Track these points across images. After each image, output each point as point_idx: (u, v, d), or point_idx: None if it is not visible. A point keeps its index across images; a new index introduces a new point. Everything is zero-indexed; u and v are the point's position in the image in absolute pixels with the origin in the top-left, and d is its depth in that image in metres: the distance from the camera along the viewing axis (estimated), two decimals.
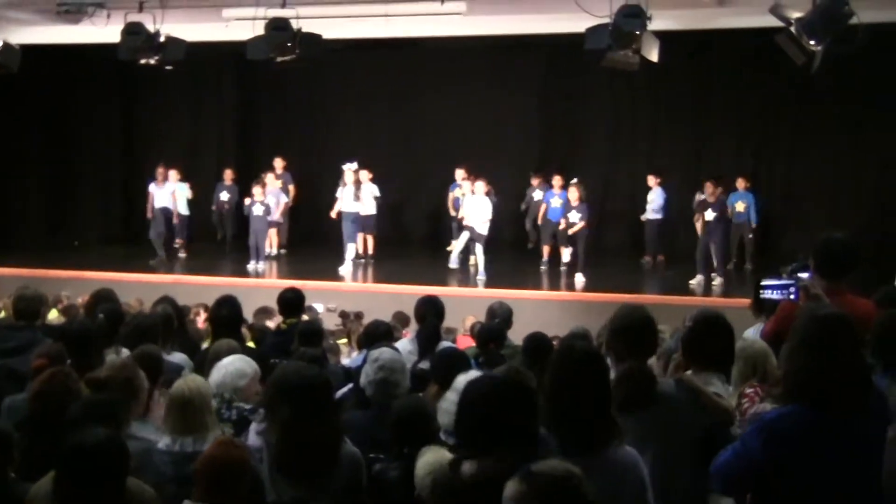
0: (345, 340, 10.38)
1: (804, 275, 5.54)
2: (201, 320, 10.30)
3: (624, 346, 4.57)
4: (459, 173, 17.49)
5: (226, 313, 7.31)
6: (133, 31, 12.18)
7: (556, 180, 17.34)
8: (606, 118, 19.43)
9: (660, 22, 10.64)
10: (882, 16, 12.10)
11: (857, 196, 17.80)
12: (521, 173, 18.61)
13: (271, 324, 9.56)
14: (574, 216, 16.28)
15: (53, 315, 10.40)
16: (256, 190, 17.42)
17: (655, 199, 17.52)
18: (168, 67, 13.01)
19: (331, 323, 11.55)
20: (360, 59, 18.88)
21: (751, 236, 16.98)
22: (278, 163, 18.60)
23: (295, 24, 11.69)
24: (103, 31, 12.91)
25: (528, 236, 18.35)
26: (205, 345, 7.60)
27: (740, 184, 16.88)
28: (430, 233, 19.53)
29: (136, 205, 19.48)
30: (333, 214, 17.31)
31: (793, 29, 10.17)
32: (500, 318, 8.49)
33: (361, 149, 19.30)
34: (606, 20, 10.45)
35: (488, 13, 14.34)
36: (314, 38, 12.07)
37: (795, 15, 10.16)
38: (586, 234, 16.35)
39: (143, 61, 12.64)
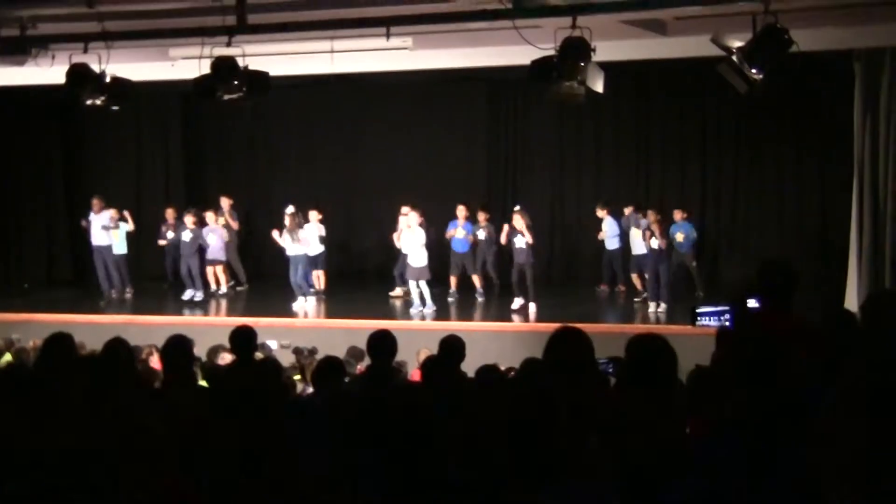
0: (299, 376, 10.36)
1: (751, 301, 5.64)
2: (154, 360, 10.24)
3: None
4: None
5: (176, 353, 7.26)
6: (78, 72, 12.12)
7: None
8: (552, 150, 19.56)
9: (604, 53, 10.74)
10: (820, 44, 12.36)
11: (801, 221, 18.05)
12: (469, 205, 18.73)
13: (223, 362, 9.53)
14: (520, 241, 16.26)
15: (7, 359, 10.31)
16: (188, 219, 17.69)
17: (609, 228, 17.62)
18: (114, 108, 12.94)
19: (285, 360, 11.51)
20: (306, 95, 18.92)
21: (695, 264, 17.09)
22: (224, 202, 18.65)
23: (241, 62, 11.70)
24: (48, 72, 12.82)
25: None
26: (156, 384, 7.56)
27: (677, 215, 16.89)
28: (379, 266, 19.52)
29: (82, 246, 19.34)
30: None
31: (734, 58, 10.31)
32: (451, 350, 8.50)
33: (308, 183, 19.48)
34: (551, 52, 10.53)
35: (434, 47, 14.43)
36: (261, 76, 12.08)
37: (736, 44, 10.31)
38: (532, 264, 16.38)
39: (88, 102, 12.55)
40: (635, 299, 16.95)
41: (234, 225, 18.65)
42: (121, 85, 12.74)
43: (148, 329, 14.08)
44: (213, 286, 18.09)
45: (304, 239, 17.19)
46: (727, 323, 5.60)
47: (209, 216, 17.92)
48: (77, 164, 20.97)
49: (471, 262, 17.33)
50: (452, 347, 7.66)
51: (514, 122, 19.78)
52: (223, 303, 17.74)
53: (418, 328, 14.44)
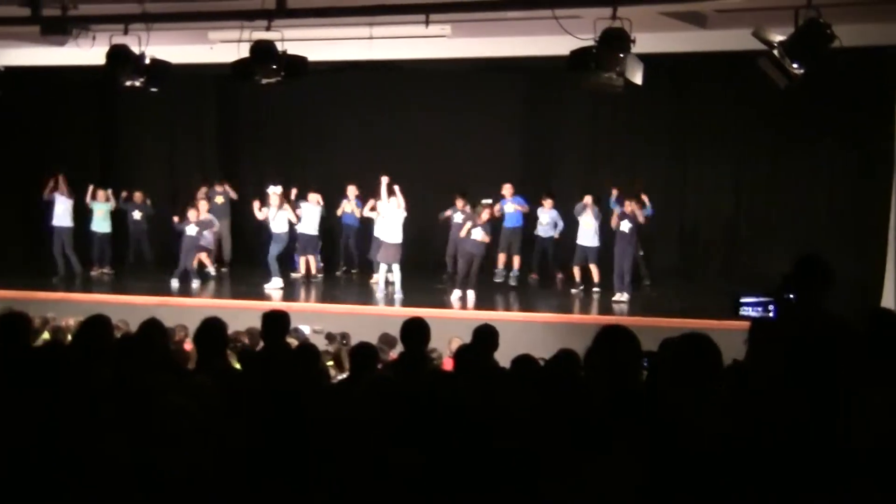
0: (332, 363, 10.36)
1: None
2: (187, 342, 10.28)
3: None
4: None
5: (210, 335, 7.27)
6: (118, 53, 12.19)
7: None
8: (586, 140, 19.50)
9: (643, 44, 10.69)
10: (862, 39, 12.23)
11: (838, 217, 17.88)
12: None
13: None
14: (477, 234, 16.48)
15: (44, 337, 10.38)
16: (191, 213, 17.93)
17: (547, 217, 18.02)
18: (153, 89, 13.02)
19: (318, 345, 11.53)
20: (342, 81, 18.92)
21: (641, 253, 17.46)
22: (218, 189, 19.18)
23: (280, 47, 11.73)
24: (88, 53, 12.90)
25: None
26: (190, 366, 7.58)
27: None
28: (412, 254, 19.51)
29: (117, 226, 19.42)
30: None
31: (775, 52, 10.24)
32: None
33: (342, 168, 19.44)
34: (590, 43, 10.50)
35: (472, 35, 14.40)
36: (299, 61, 12.11)
37: (778, 38, 10.23)
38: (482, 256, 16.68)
39: (127, 83, 12.63)
40: (572, 290, 17.19)
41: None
42: (159, 67, 12.83)
43: (181, 310, 14.15)
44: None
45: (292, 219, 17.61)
46: (771, 314, 5.50)
47: (202, 204, 18.31)
48: (112, 146, 21.06)
49: (517, 240, 17.46)
50: (486, 336, 7.64)
51: (549, 112, 19.69)
52: (252, 287, 17.82)
53: (450, 316, 14.43)
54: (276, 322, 7.84)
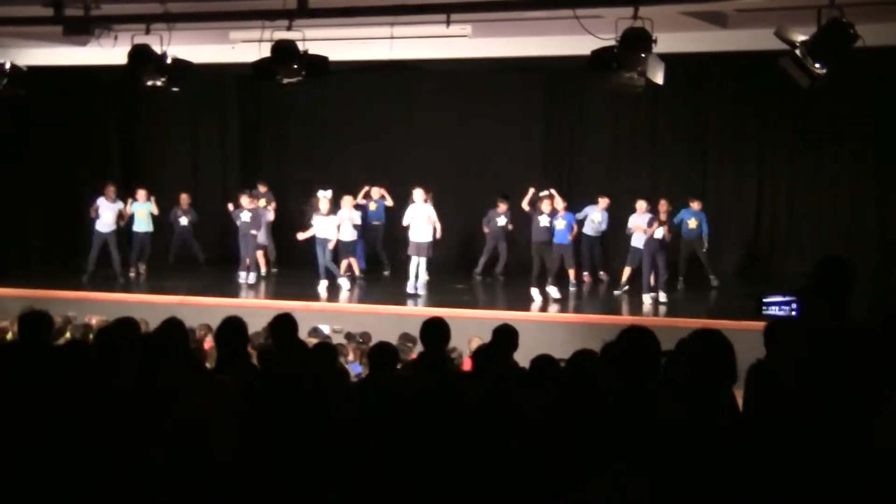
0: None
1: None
2: (208, 342, 10.30)
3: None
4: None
5: (231, 334, 7.28)
6: (140, 52, 12.24)
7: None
8: (607, 141, 19.46)
9: (664, 44, 10.66)
10: (885, 39, 12.16)
11: (858, 219, 17.80)
12: (524, 195, 18.67)
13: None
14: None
15: (68, 336, 10.43)
16: (244, 200, 17.80)
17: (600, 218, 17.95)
18: (174, 89, 13.06)
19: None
20: (363, 81, 18.93)
21: (704, 250, 17.33)
22: (261, 188, 18.97)
23: (301, 47, 11.75)
24: (110, 52, 12.95)
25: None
26: (209, 365, 7.60)
27: (695, 205, 17.26)
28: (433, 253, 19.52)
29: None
30: (301, 238, 17.79)
31: (797, 52, 10.19)
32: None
33: (362, 168, 19.44)
34: (612, 42, 10.48)
35: (493, 35, 14.39)
36: (320, 60, 12.13)
37: (800, 38, 10.18)
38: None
39: (149, 83, 12.68)
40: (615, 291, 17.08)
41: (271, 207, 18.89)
42: (181, 67, 12.88)
43: (200, 309, 14.18)
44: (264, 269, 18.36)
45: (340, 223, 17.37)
46: (794, 313, 5.47)
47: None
48: (134, 146, 21.12)
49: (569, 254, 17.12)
50: (505, 336, 7.63)
51: (570, 112, 19.67)
52: (269, 286, 17.86)
53: (470, 316, 14.40)
54: (286, 324, 7.83)
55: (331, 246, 17.22)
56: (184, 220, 18.90)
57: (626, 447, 3.84)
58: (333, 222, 17.28)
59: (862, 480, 3.66)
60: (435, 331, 7.36)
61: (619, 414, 4.08)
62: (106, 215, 18.02)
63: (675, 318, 14.69)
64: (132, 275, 18.41)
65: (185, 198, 19.08)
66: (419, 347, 8.43)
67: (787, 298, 5.61)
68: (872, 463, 3.68)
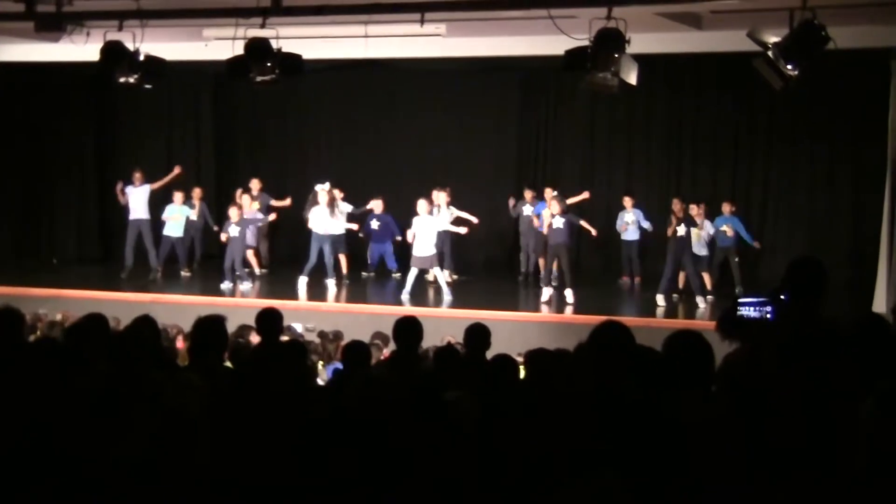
0: (322, 363, 10.33)
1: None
2: (180, 341, 10.26)
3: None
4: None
5: (207, 333, 7.23)
6: (112, 49, 12.17)
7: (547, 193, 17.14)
8: (583, 140, 19.46)
9: (638, 45, 10.70)
10: (857, 41, 12.26)
11: (832, 221, 17.88)
12: (498, 194, 18.70)
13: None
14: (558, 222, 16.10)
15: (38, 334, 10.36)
16: (232, 212, 17.36)
17: (633, 219, 17.57)
18: (147, 86, 12.99)
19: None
20: (338, 79, 18.90)
21: (737, 259, 16.95)
22: (255, 184, 18.58)
23: (275, 45, 11.72)
24: (82, 49, 12.89)
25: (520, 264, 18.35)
26: (180, 363, 7.57)
27: (725, 208, 16.94)
28: (406, 252, 19.51)
29: (112, 224, 19.42)
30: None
31: (770, 53, 10.24)
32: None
33: (338, 168, 19.36)
34: (585, 43, 10.50)
35: (467, 35, 14.40)
36: (294, 59, 12.11)
37: (773, 39, 10.23)
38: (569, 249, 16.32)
39: (122, 80, 12.61)
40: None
41: (272, 203, 18.65)
42: (154, 63, 12.82)
43: (174, 308, 14.13)
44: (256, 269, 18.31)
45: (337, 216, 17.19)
46: (769, 316, 5.47)
47: (245, 199, 17.70)
48: (108, 143, 21.00)
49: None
50: (477, 335, 7.64)
51: (545, 112, 19.69)
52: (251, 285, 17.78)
53: (446, 315, 14.40)
54: (270, 319, 7.83)
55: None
56: (193, 215, 18.34)
57: (607, 447, 3.86)
58: (334, 216, 17.17)
59: (827, 479, 3.68)
60: (407, 330, 7.35)
61: (599, 414, 4.10)
62: (136, 202, 17.67)
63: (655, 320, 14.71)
64: (184, 273, 18.11)
65: (197, 192, 18.72)
66: (392, 346, 8.43)
67: (761, 299, 5.61)
68: (837, 463, 3.70)
